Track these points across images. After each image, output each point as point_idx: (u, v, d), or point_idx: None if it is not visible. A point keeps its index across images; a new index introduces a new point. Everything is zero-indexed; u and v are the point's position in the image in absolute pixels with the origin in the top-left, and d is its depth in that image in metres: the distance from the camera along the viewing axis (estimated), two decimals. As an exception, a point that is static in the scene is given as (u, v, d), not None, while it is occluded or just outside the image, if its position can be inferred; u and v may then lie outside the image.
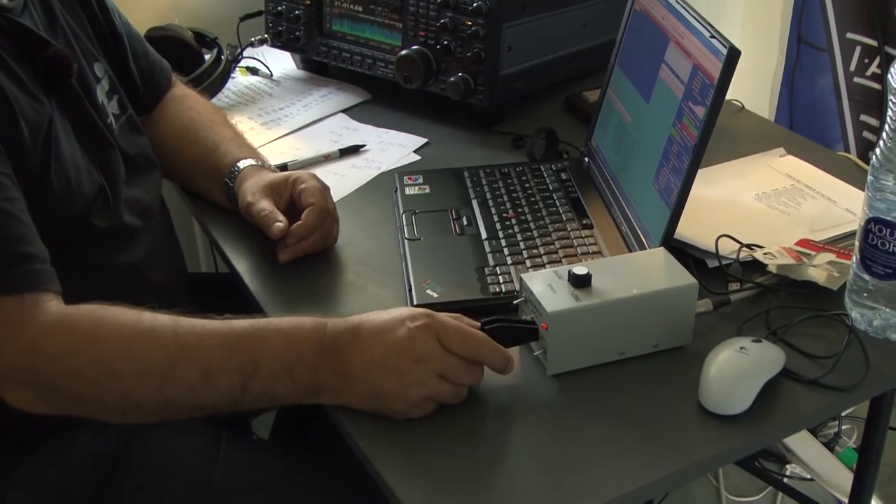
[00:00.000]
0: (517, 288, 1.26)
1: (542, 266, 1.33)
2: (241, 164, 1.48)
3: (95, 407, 1.10)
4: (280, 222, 1.36)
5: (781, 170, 1.62)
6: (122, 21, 1.52)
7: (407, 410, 1.09)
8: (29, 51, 1.23)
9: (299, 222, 1.37)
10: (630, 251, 1.35)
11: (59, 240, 1.17)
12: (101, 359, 1.07)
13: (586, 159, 1.58)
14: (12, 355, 1.06)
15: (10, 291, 1.07)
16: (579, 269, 1.16)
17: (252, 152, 1.54)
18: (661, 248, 1.25)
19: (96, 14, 1.45)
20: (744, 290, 1.30)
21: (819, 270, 1.30)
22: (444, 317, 1.11)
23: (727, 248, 1.34)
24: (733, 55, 1.17)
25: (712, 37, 1.22)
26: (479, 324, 1.14)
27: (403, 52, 1.76)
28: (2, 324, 1.06)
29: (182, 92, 1.66)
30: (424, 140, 1.75)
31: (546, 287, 1.16)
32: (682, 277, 1.19)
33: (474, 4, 1.66)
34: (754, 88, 2.38)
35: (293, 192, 1.41)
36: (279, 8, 1.94)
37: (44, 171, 1.19)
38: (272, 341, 1.09)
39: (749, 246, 1.35)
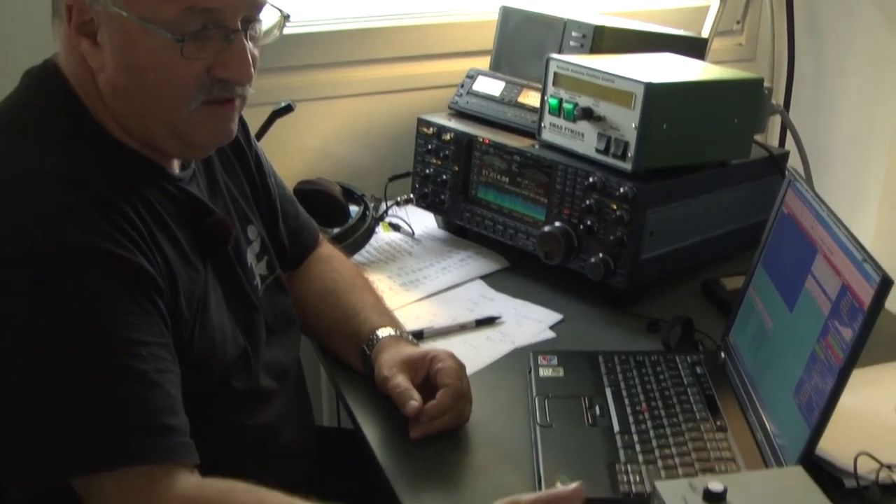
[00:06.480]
0: (647, 489, 1.26)
1: (674, 468, 1.32)
2: (380, 333, 1.51)
3: None
4: (415, 401, 1.37)
5: (923, 379, 1.58)
6: (276, 183, 1.58)
7: None
8: (192, 218, 1.29)
9: (433, 402, 1.38)
10: (764, 460, 1.33)
11: (195, 401, 1.20)
12: None
13: (722, 354, 1.57)
14: None
15: (142, 462, 1.10)
16: (715, 485, 1.15)
17: (391, 320, 1.57)
18: (800, 467, 1.22)
19: (255, 177, 1.51)
20: (883, 517, 1.27)
21: (964, 502, 1.26)
22: (529, 496, 1.13)
23: (866, 467, 1.31)
24: (886, 284, 1.15)
25: (864, 261, 1.21)
26: None
27: (546, 229, 1.78)
28: (129, 494, 1.10)
29: (328, 252, 1.70)
30: (560, 317, 1.76)
31: (680, 499, 1.14)
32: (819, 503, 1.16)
33: (621, 190, 1.69)
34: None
35: (430, 370, 1.42)
36: (427, 171, 2.00)
37: (189, 338, 1.24)
38: None
39: (889, 466, 1.32)
